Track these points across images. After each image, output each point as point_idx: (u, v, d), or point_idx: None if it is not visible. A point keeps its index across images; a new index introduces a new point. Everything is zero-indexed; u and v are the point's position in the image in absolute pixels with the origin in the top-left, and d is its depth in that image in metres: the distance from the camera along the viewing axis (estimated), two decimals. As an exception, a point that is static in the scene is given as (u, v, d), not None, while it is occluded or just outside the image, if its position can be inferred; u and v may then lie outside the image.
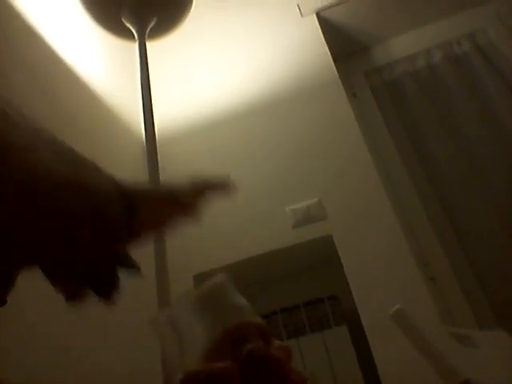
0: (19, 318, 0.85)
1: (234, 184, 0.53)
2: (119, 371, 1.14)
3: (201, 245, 1.64)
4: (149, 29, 1.60)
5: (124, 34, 1.61)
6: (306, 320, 1.51)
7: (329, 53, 1.94)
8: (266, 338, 0.38)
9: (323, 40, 1.99)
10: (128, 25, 1.59)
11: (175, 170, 1.78)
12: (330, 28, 2.10)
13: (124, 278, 0.41)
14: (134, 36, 1.59)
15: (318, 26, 2.03)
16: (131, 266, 0.43)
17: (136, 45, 1.58)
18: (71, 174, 0.35)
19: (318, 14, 2.07)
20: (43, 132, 0.37)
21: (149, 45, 1.60)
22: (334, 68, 1.90)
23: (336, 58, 1.95)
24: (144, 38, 1.59)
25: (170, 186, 0.49)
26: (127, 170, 1.64)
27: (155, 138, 1.46)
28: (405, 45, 2.24)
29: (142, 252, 1.35)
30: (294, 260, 1.63)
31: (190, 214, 0.49)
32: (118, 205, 0.38)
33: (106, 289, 0.39)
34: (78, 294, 0.38)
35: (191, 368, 0.36)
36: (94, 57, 1.73)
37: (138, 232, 0.42)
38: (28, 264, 0.35)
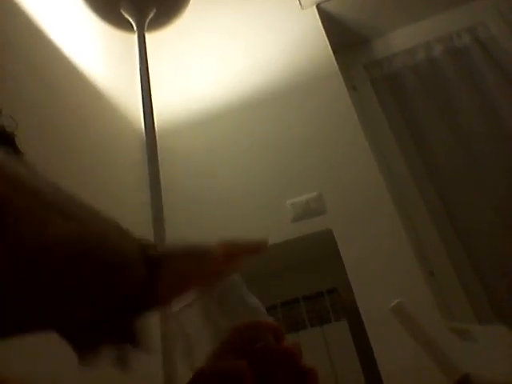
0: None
1: (265, 244, 0.49)
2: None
3: (200, 239, 1.63)
4: (148, 20, 1.59)
5: (123, 25, 1.60)
6: (305, 314, 1.52)
7: (329, 45, 1.93)
8: (277, 337, 0.38)
9: (323, 32, 1.98)
10: (127, 16, 1.58)
11: (174, 162, 1.78)
12: (330, 20, 2.09)
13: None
14: (133, 27, 1.58)
15: (318, 18, 2.02)
16: (138, 340, 0.40)
17: (135, 36, 1.57)
18: (87, 235, 0.33)
19: (318, 6, 2.06)
20: (57, 193, 0.34)
21: (148, 36, 1.59)
22: (334, 60, 1.89)
23: (336, 51, 1.94)
24: (143, 30, 1.58)
25: (198, 247, 0.45)
26: (127, 162, 1.63)
27: (154, 130, 1.45)
28: (405, 38, 2.23)
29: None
30: (293, 254, 1.63)
31: (217, 278, 0.45)
32: (142, 268, 0.36)
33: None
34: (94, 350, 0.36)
35: (202, 365, 0.36)
36: (93, 48, 1.72)
37: (160, 297, 0.39)
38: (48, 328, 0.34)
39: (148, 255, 0.37)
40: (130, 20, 1.59)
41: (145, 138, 1.42)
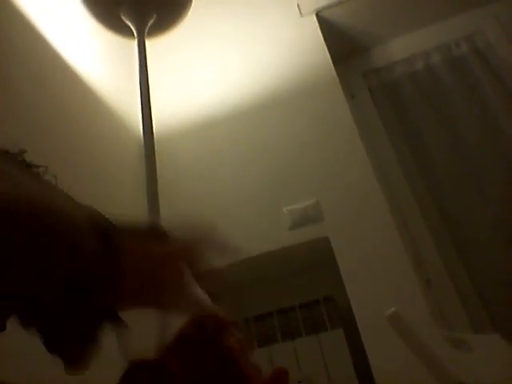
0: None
1: (236, 247, 0.49)
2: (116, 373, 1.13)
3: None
4: (148, 26, 1.60)
5: (123, 31, 1.61)
6: (301, 322, 1.51)
7: (328, 53, 1.94)
8: (221, 326, 0.38)
9: (322, 40, 1.98)
10: (127, 22, 1.59)
11: (172, 169, 1.78)
12: (329, 28, 2.09)
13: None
14: (133, 33, 1.59)
15: (318, 26, 2.02)
16: (116, 319, 0.40)
17: (135, 42, 1.58)
18: (18, 196, 0.32)
19: (317, 14, 2.06)
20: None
21: (148, 43, 1.59)
22: (333, 68, 1.90)
23: (334, 59, 1.94)
24: (143, 36, 1.59)
25: (166, 227, 0.45)
26: (125, 167, 1.63)
27: (153, 136, 1.45)
28: (403, 46, 2.24)
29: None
30: (290, 261, 1.63)
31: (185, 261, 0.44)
32: (91, 236, 0.35)
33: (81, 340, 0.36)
34: (79, 355, 0.36)
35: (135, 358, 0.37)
36: (93, 54, 1.72)
37: (123, 277, 0.37)
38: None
39: (100, 225, 0.37)
40: (131, 26, 1.59)
41: (143, 144, 1.42)
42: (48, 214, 0.32)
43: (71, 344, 0.36)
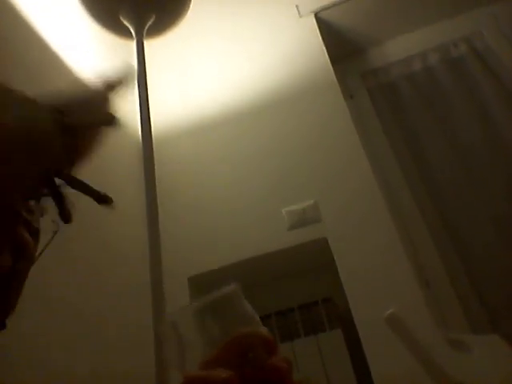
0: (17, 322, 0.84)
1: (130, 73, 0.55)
2: (114, 373, 1.13)
3: (196, 247, 1.63)
4: (147, 27, 1.60)
5: (122, 32, 1.60)
6: (300, 323, 1.51)
7: (326, 54, 1.94)
8: (269, 349, 0.38)
9: (321, 41, 1.98)
10: (126, 23, 1.58)
11: (171, 170, 1.78)
12: (327, 29, 2.09)
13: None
14: (131, 34, 1.58)
15: (316, 27, 2.03)
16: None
17: (134, 43, 1.58)
18: None
19: (316, 15, 2.07)
20: None
21: (146, 43, 1.59)
22: (332, 69, 1.90)
23: (333, 60, 1.94)
24: (142, 37, 1.58)
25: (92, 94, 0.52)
26: (123, 169, 1.63)
27: (151, 138, 1.45)
28: (402, 47, 2.24)
29: (138, 253, 1.34)
30: (288, 262, 1.63)
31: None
32: (59, 139, 0.40)
33: None
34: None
35: (192, 373, 0.36)
36: (91, 54, 1.72)
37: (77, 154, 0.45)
38: None
39: (64, 124, 0.41)
40: (129, 26, 1.59)
41: (141, 146, 1.42)
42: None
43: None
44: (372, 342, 1.35)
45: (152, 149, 1.42)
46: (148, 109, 1.50)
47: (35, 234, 0.45)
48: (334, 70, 1.90)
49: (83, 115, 0.47)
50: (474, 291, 1.68)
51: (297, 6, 2.08)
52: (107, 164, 1.56)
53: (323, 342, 1.47)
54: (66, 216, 0.45)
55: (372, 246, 1.50)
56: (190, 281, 1.57)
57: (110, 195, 1.54)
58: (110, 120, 0.49)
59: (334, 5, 2.06)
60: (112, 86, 0.54)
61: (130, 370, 1.20)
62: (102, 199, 0.51)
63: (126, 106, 1.70)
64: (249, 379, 0.36)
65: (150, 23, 1.60)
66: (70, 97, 0.48)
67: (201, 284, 1.57)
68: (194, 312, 0.41)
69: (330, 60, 1.93)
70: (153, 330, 0.97)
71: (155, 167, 1.44)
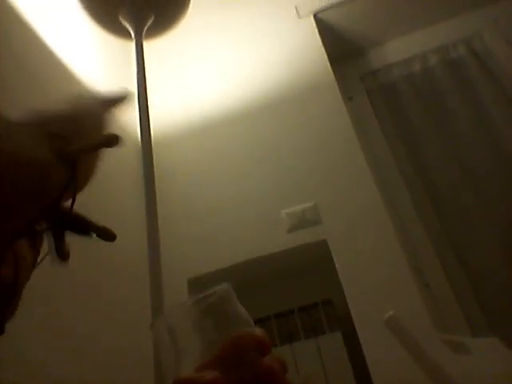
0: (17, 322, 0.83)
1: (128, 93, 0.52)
2: (113, 375, 1.13)
3: (195, 248, 1.63)
4: (146, 28, 1.59)
5: (121, 32, 1.60)
6: (300, 325, 1.51)
7: (325, 55, 1.94)
8: (263, 350, 0.37)
9: (320, 42, 1.98)
10: (125, 23, 1.58)
11: (170, 172, 1.78)
12: (326, 30, 2.09)
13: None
14: (130, 35, 1.58)
15: (316, 28, 2.02)
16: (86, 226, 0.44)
17: (133, 44, 1.57)
18: None
19: (315, 16, 2.06)
20: None
21: (145, 44, 1.59)
22: (331, 70, 1.90)
23: (332, 61, 1.94)
24: (141, 37, 1.58)
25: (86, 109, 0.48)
26: (122, 169, 1.63)
27: (151, 138, 1.45)
28: (401, 48, 2.24)
29: (137, 255, 1.34)
30: (288, 264, 1.62)
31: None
32: (61, 170, 0.37)
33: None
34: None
35: (181, 375, 0.36)
36: (90, 55, 1.72)
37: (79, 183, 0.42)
38: None
39: (64, 153, 0.38)
40: (128, 27, 1.59)
41: (141, 146, 1.42)
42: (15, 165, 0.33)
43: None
44: (372, 344, 1.35)
45: (151, 149, 1.42)
46: (147, 109, 1.50)
47: (36, 245, 0.44)
48: (333, 71, 1.90)
49: (83, 139, 0.44)
50: (473, 293, 1.68)
51: (296, 7, 2.07)
52: (107, 165, 1.55)
53: (323, 343, 1.47)
54: (63, 254, 0.43)
55: (371, 248, 1.50)
56: (189, 283, 1.56)
57: (110, 195, 1.54)
58: (112, 140, 0.46)
59: (333, 6, 2.06)
60: (109, 104, 0.51)
61: (127, 373, 1.19)
62: (106, 235, 0.48)
63: (126, 110, 1.70)
64: (241, 381, 0.35)
65: (149, 24, 1.60)
66: (66, 117, 0.45)
67: (200, 286, 1.57)
68: (189, 314, 0.40)
69: (329, 61, 1.92)
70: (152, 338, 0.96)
71: (154, 168, 1.44)
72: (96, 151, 0.46)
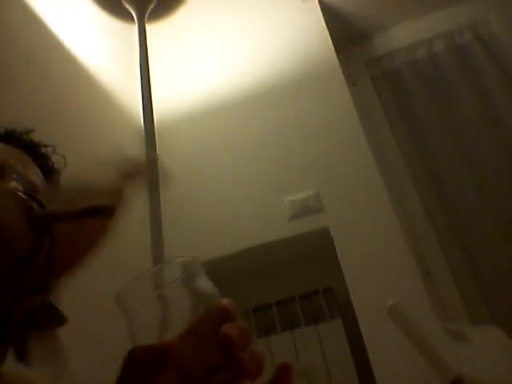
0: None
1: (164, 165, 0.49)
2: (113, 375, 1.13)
3: (197, 236, 1.63)
4: (148, 11, 1.58)
5: (123, 16, 1.59)
6: (300, 312, 1.52)
7: (330, 40, 1.92)
8: (225, 315, 0.37)
9: (325, 27, 1.96)
10: (128, 6, 1.57)
11: (173, 157, 1.77)
12: (331, 15, 2.06)
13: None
14: (133, 18, 1.57)
15: (320, 13, 2.00)
16: (53, 313, 0.39)
17: (135, 27, 1.56)
18: None
19: (320, 1, 2.04)
20: None
21: (148, 28, 1.58)
22: (335, 56, 1.88)
23: (337, 47, 1.92)
24: (143, 21, 1.57)
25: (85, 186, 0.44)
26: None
27: (153, 124, 1.45)
28: (406, 34, 2.22)
29: (140, 243, 1.33)
30: (290, 252, 1.62)
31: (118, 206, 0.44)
32: (28, 235, 0.34)
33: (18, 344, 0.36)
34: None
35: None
36: (93, 40, 1.70)
37: (57, 262, 0.37)
38: None
39: (34, 217, 0.36)
40: (131, 10, 1.57)
41: (144, 132, 1.41)
42: None
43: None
44: (372, 332, 1.35)
45: (154, 134, 1.42)
46: (150, 93, 1.50)
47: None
48: (338, 56, 1.88)
49: (68, 205, 0.40)
50: (474, 282, 1.69)
51: (301, -9, 2.05)
52: (109, 150, 1.55)
53: (323, 331, 1.48)
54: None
55: (373, 236, 1.50)
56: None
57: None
58: (101, 211, 0.41)
59: (338, -10, 2.04)
60: (129, 175, 0.47)
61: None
62: (104, 212, 0.42)
63: (129, 93, 1.69)
64: (198, 347, 0.35)
65: (151, 7, 1.59)
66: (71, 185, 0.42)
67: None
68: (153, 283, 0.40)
69: (334, 47, 1.90)
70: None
71: (157, 153, 1.43)
72: (78, 219, 0.40)
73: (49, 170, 0.62)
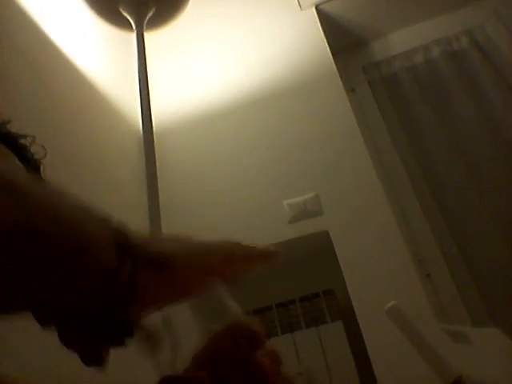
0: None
1: (277, 254, 0.44)
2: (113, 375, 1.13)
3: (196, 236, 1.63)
4: (147, 19, 1.59)
5: (122, 24, 1.60)
6: (301, 315, 1.52)
7: (327, 47, 1.93)
8: (256, 342, 0.35)
9: (322, 34, 1.97)
10: (126, 14, 1.58)
11: (172, 162, 1.78)
12: (328, 22, 2.08)
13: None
14: (131, 26, 1.58)
15: (317, 19, 2.02)
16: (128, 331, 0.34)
17: (134, 35, 1.57)
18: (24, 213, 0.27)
19: (317, 7, 2.05)
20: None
21: (147, 35, 1.59)
22: (333, 62, 1.89)
23: (334, 53, 1.93)
24: (142, 29, 1.59)
25: (199, 247, 0.39)
26: (124, 160, 1.63)
27: (152, 129, 1.45)
28: (403, 40, 2.23)
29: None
30: (289, 255, 1.62)
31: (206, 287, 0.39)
32: (111, 252, 0.31)
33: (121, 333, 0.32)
34: (96, 352, 0.32)
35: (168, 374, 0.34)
36: (91, 47, 1.71)
37: (142, 295, 0.33)
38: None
39: (125, 241, 0.33)
40: (129, 18, 1.59)
41: (143, 138, 1.42)
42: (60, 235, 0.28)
43: (88, 343, 0.33)
44: (373, 334, 1.35)
45: (153, 140, 1.42)
46: (148, 100, 1.50)
47: None
48: (336, 62, 1.90)
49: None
50: (474, 283, 1.68)
51: (298, -1, 2.07)
52: (108, 156, 1.56)
53: (324, 333, 1.47)
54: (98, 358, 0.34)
55: (373, 239, 1.50)
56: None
57: (112, 186, 1.55)
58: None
59: (334, -3, 2.06)
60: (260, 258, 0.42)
61: (128, 372, 1.20)
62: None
63: (127, 99, 1.70)
64: (230, 377, 0.34)
65: (149, 15, 1.60)
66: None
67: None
68: (186, 306, 0.38)
69: (331, 53, 1.92)
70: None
71: (156, 159, 1.44)
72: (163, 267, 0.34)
73: (29, 161, 0.60)
